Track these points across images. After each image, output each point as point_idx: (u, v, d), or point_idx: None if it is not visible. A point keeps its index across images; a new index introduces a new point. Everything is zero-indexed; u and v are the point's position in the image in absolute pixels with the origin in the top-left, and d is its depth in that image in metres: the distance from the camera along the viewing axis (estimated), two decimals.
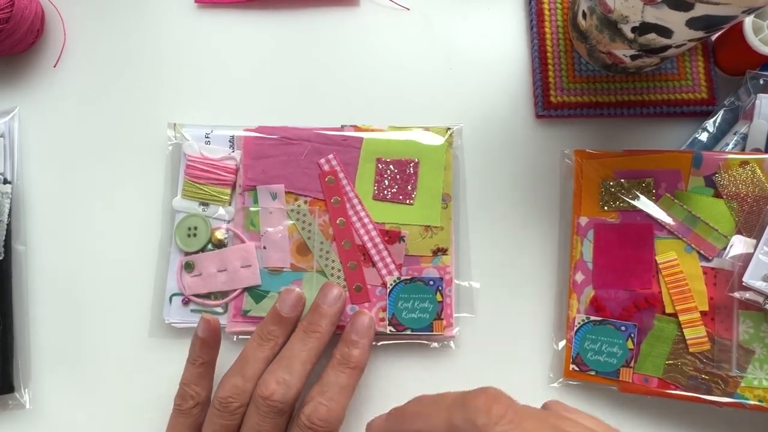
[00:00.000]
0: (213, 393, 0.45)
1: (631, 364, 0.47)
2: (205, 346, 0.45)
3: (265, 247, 0.49)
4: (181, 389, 0.44)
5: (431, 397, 0.36)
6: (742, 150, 0.49)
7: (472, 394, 0.32)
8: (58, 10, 0.55)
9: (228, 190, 0.50)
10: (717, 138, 0.51)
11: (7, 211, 0.50)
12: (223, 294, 0.49)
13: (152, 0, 0.55)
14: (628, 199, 0.49)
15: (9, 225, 0.50)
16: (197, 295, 0.49)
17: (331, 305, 0.45)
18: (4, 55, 0.53)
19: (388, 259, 0.49)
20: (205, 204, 0.50)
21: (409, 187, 0.50)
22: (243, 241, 0.49)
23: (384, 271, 0.49)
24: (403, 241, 0.49)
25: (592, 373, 0.48)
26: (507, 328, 0.50)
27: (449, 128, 0.51)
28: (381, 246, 0.49)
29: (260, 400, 0.41)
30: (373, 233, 0.49)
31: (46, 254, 0.52)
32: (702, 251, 0.48)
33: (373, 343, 0.49)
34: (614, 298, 0.48)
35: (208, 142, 0.51)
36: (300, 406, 0.43)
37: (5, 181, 0.51)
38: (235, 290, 0.49)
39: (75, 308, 0.51)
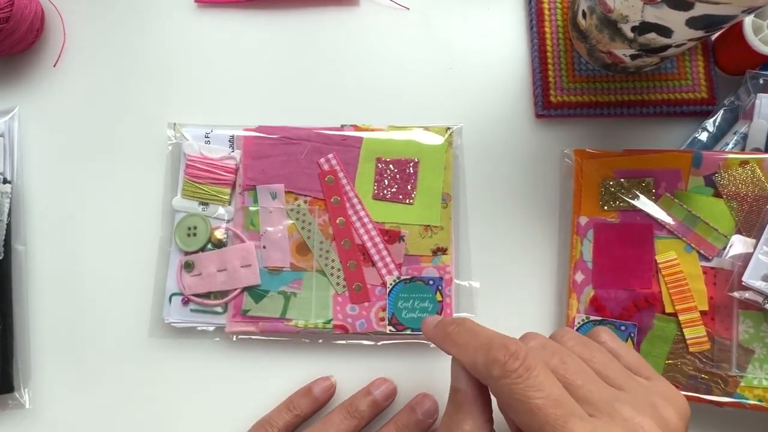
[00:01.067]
0: None
1: None
2: (314, 403, 0.47)
3: (264, 247, 0.49)
4: (263, 427, 0.46)
5: (473, 326, 0.37)
6: (742, 150, 0.49)
7: (498, 344, 0.33)
8: (58, 10, 0.55)
9: (228, 190, 0.50)
10: (717, 138, 0.51)
11: (6, 210, 0.50)
12: (223, 294, 0.49)
13: (152, 0, 0.55)
14: (628, 199, 0.49)
15: (9, 225, 0.50)
16: (197, 295, 0.49)
17: (383, 399, 0.46)
18: (3, 55, 0.53)
19: (388, 259, 0.49)
20: (204, 203, 0.50)
21: (408, 186, 0.50)
22: (243, 241, 0.49)
23: (384, 271, 0.49)
24: (403, 240, 0.49)
25: None
26: (507, 328, 0.50)
27: (449, 128, 0.51)
28: (381, 245, 0.49)
29: None
30: (373, 233, 0.49)
31: (46, 254, 0.52)
32: (702, 251, 0.48)
33: (374, 343, 0.49)
34: (614, 298, 0.48)
35: (207, 142, 0.51)
36: None
37: (5, 181, 0.51)
38: (235, 290, 0.49)
39: (75, 308, 0.51)
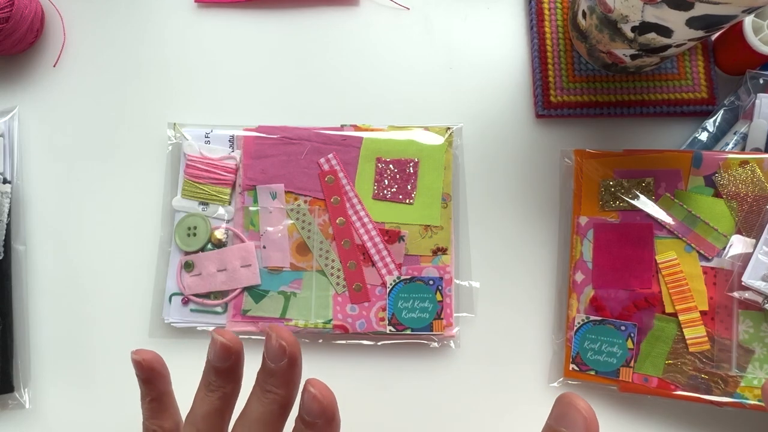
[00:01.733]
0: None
1: (631, 364, 0.47)
2: (148, 383, 0.40)
3: (264, 247, 0.49)
4: (143, 425, 0.41)
5: None
6: (742, 150, 0.49)
7: None
8: (58, 10, 0.55)
9: (228, 190, 0.50)
10: (717, 138, 0.51)
11: (7, 210, 0.50)
12: (223, 293, 0.49)
13: (152, 0, 0.55)
14: (627, 199, 0.49)
15: (9, 225, 0.50)
16: (197, 295, 0.49)
17: (276, 362, 0.35)
18: (3, 55, 0.53)
19: (388, 259, 0.49)
20: (204, 203, 0.50)
21: (408, 186, 0.50)
22: (243, 241, 0.49)
23: (384, 271, 0.49)
24: (403, 240, 0.49)
25: (592, 372, 0.48)
26: (507, 328, 0.50)
27: (449, 128, 0.51)
28: (381, 245, 0.49)
29: None
30: (373, 233, 0.49)
31: (46, 254, 0.52)
32: (702, 251, 0.48)
33: (374, 343, 0.49)
34: (614, 298, 0.48)
35: (207, 142, 0.51)
36: None
37: (5, 181, 0.51)
38: (235, 290, 0.49)
39: (75, 308, 0.51)
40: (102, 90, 0.54)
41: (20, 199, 0.52)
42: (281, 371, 0.35)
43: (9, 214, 0.50)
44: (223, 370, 0.37)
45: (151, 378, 0.40)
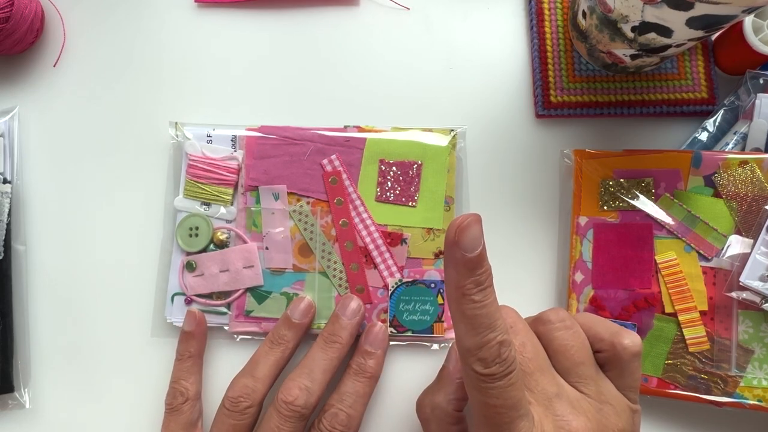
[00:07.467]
0: (215, 393, 0.45)
1: None
2: (192, 338, 0.47)
3: (267, 248, 0.49)
4: (171, 387, 0.46)
5: (486, 308, 0.34)
6: (742, 150, 0.49)
7: (487, 347, 0.32)
8: (58, 10, 0.55)
9: (230, 190, 0.50)
10: (717, 138, 0.51)
11: (6, 210, 0.50)
12: (226, 294, 0.49)
13: (152, 0, 0.55)
14: (627, 199, 0.49)
15: (9, 225, 0.50)
16: (199, 295, 0.49)
17: (351, 318, 0.46)
18: (3, 55, 0.53)
19: (390, 261, 0.49)
20: (206, 204, 0.50)
21: (411, 189, 0.50)
22: (245, 242, 0.49)
23: (386, 273, 0.49)
24: (405, 243, 0.49)
25: None
26: None
27: (453, 130, 0.51)
28: (383, 248, 0.49)
29: (283, 405, 0.42)
30: (376, 235, 0.49)
31: (46, 254, 0.52)
32: (701, 251, 0.48)
33: None
34: (614, 298, 0.48)
35: (209, 142, 0.51)
36: (319, 413, 0.44)
37: (5, 181, 0.51)
38: (238, 290, 0.49)
39: (75, 308, 0.51)
40: (102, 90, 0.54)
41: (20, 199, 0.52)
42: (351, 325, 0.46)
43: (9, 214, 0.50)
44: (296, 325, 0.46)
45: (196, 334, 0.48)
